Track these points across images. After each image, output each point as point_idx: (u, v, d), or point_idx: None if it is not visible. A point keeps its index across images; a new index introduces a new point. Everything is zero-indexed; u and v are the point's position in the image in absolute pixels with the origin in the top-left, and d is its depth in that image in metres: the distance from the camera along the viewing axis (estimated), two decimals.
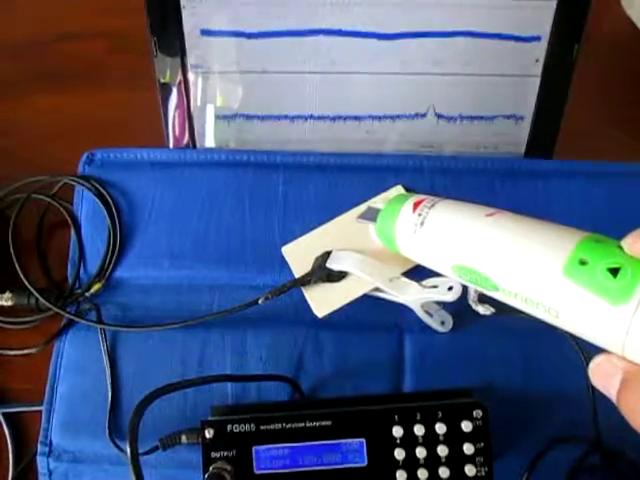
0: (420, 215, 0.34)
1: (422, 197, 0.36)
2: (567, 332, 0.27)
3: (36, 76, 0.53)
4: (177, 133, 0.46)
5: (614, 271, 0.23)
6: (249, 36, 0.42)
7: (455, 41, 0.42)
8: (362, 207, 0.42)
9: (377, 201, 0.42)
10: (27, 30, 0.54)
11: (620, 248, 0.24)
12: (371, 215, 0.39)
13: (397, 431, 0.35)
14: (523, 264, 0.27)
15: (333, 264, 0.40)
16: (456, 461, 0.34)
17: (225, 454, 0.34)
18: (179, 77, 0.44)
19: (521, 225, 0.29)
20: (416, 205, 0.35)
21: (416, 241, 0.35)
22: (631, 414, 0.22)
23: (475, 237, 0.31)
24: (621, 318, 0.23)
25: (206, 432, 0.34)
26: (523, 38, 0.42)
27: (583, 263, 0.24)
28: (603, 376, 0.23)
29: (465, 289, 0.36)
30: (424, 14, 0.41)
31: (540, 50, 0.42)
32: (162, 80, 0.44)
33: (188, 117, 0.46)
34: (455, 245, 0.32)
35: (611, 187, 0.43)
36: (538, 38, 0.42)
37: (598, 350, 0.37)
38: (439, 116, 0.45)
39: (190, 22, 0.42)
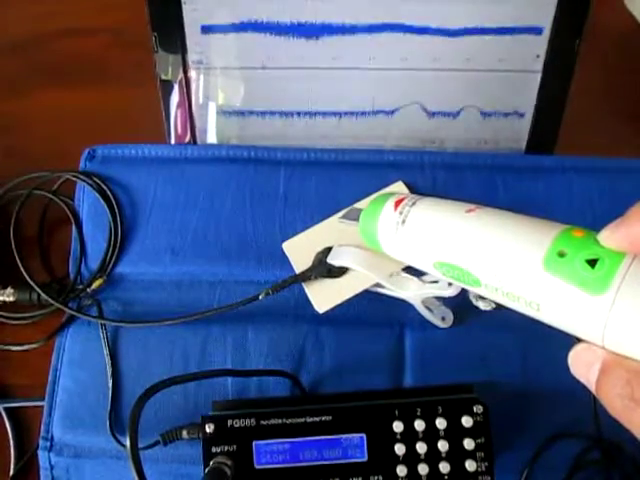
0: (401, 213, 0.34)
1: (403, 195, 0.36)
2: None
3: (38, 72, 0.53)
4: (179, 129, 0.46)
5: (592, 262, 0.23)
6: (250, 32, 0.42)
7: (456, 37, 0.42)
8: (362, 204, 0.42)
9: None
10: (28, 26, 0.54)
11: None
12: (354, 215, 0.39)
13: (397, 426, 0.35)
14: (503, 258, 0.28)
15: (334, 260, 0.40)
16: (457, 456, 0.34)
17: (226, 449, 0.34)
18: (180, 73, 0.44)
19: (501, 220, 0.29)
20: (397, 204, 0.35)
21: (398, 239, 0.35)
22: (609, 402, 0.22)
23: (455, 233, 0.31)
24: (600, 308, 0.23)
25: (207, 427, 0.35)
26: (524, 33, 0.42)
27: (562, 255, 0.25)
28: (582, 365, 0.24)
29: None
30: (424, 9, 0.41)
31: (541, 45, 0.42)
32: (163, 76, 0.44)
33: (189, 113, 0.46)
34: (436, 242, 0.32)
35: (613, 183, 0.43)
36: (539, 33, 0.42)
37: None
38: (440, 112, 0.45)
39: (191, 18, 0.42)
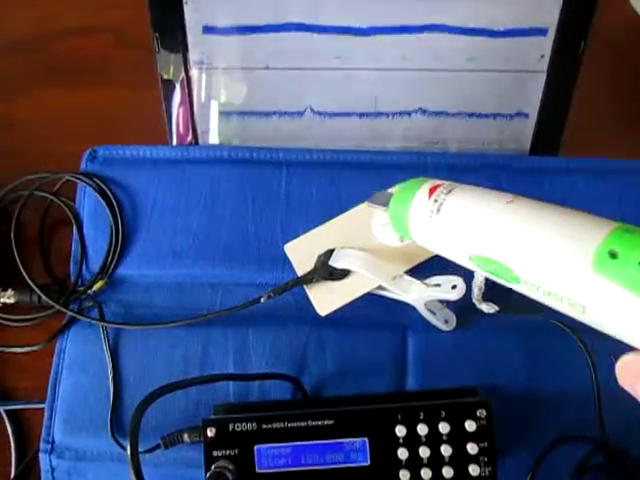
0: (436, 201, 0.32)
1: (438, 182, 0.33)
2: (591, 328, 0.25)
3: (39, 72, 0.52)
4: (180, 129, 0.46)
5: None
6: (252, 32, 0.42)
7: (460, 37, 0.41)
8: (364, 206, 0.42)
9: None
10: (29, 26, 0.54)
11: None
12: (383, 200, 0.37)
13: (400, 430, 0.35)
14: (547, 255, 0.26)
15: (336, 262, 0.40)
16: (460, 461, 0.34)
17: (227, 453, 0.34)
18: (182, 73, 0.44)
19: (545, 213, 0.27)
20: (432, 190, 0.33)
21: (431, 229, 0.32)
22: None
23: (496, 225, 0.29)
24: None
25: (208, 431, 0.34)
26: (528, 33, 0.41)
27: (613, 256, 0.23)
28: (631, 375, 0.23)
29: (469, 287, 0.36)
30: (428, 8, 0.41)
31: (546, 46, 0.42)
32: (165, 76, 0.44)
33: (191, 113, 0.45)
34: (474, 234, 0.30)
35: (617, 184, 0.43)
36: (544, 34, 0.41)
37: (604, 349, 0.37)
38: (443, 112, 0.44)
39: (192, 18, 0.42)
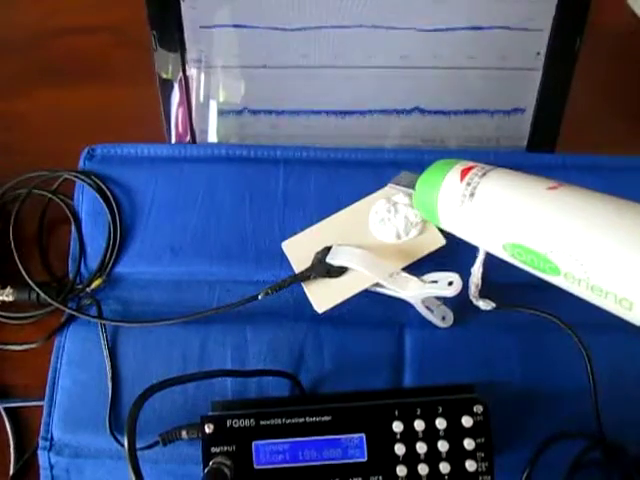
0: (469, 185, 0.30)
1: (470, 164, 0.32)
2: (589, 325, 0.25)
3: (37, 71, 0.53)
4: (179, 129, 0.46)
5: None
6: (249, 30, 0.42)
7: (456, 34, 0.42)
8: (364, 202, 0.42)
9: (379, 195, 0.42)
10: (28, 25, 0.54)
11: None
12: (407, 181, 0.35)
13: (397, 426, 0.35)
14: (593, 247, 0.24)
15: (333, 259, 0.40)
16: (457, 456, 0.34)
17: (225, 449, 0.34)
18: (179, 72, 0.44)
19: (592, 202, 0.26)
20: (464, 173, 0.31)
21: (463, 215, 0.31)
22: None
23: (535, 212, 0.27)
24: None
25: (206, 427, 0.35)
26: (524, 30, 0.41)
27: None
28: None
29: (466, 284, 0.36)
30: (425, 8, 0.41)
31: (541, 43, 0.42)
32: (163, 75, 0.44)
33: (189, 113, 0.45)
34: (511, 221, 0.28)
35: (613, 181, 0.43)
36: (540, 31, 0.41)
37: (601, 346, 0.37)
38: (440, 110, 0.45)
39: (190, 16, 0.42)
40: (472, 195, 0.30)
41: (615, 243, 0.24)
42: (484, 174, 0.31)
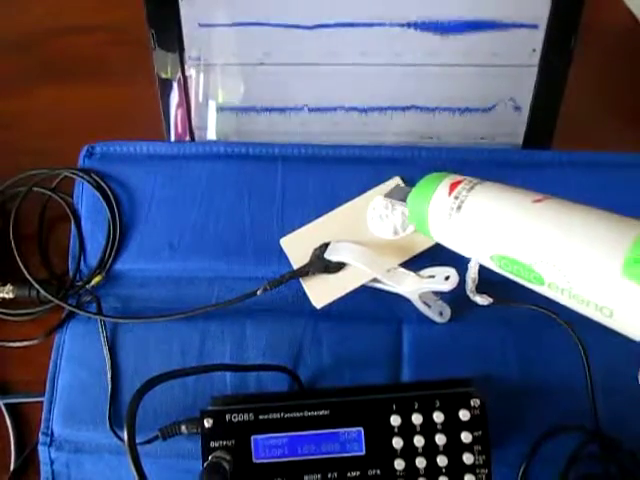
0: (457, 199, 0.32)
1: (459, 178, 0.33)
2: (586, 321, 0.25)
3: (37, 70, 0.53)
4: (178, 127, 0.46)
5: None
6: (248, 28, 0.43)
7: (451, 31, 0.42)
8: (361, 199, 0.42)
9: (377, 192, 0.42)
10: (27, 24, 0.54)
11: None
12: (400, 194, 0.37)
13: (395, 420, 0.35)
14: (575, 258, 0.25)
15: (331, 255, 0.40)
16: (454, 450, 0.35)
17: (224, 443, 0.35)
18: (178, 70, 0.44)
19: (574, 214, 0.27)
20: (453, 187, 0.32)
21: (452, 227, 0.32)
22: None
23: (520, 225, 0.28)
24: None
25: (205, 422, 0.35)
26: (520, 28, 0.42)
27: None
28: None
29: (462, 279, 0.36)
30: (420, 5, 0.41)
31: (537, 40, 0.42)
32: (161, 73, 0.45)
33: (188, 111, 0.46)
34: (497, 233, 0.29)
35: (609, 177, 0.43)
36: (535, 27, 0.42)
37: (597, 341, 0.38)
38: (436, 107, 0.45)
39: (188, 14, 0.42)
40: (459, 208, 0.31)
41: (593, 253, 0.25)
42: (471, 188, 0.32)
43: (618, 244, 0.24)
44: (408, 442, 0.35)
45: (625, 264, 0.23)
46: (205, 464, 0.34)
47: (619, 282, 0.23)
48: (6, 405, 0.42)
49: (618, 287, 0.23)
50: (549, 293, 0.28)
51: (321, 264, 0.40)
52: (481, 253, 0.31)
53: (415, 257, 0.40)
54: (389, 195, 0.39)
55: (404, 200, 0.36)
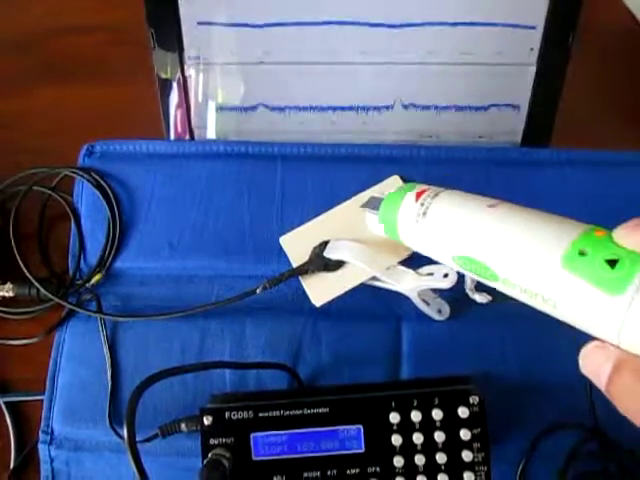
0: (422, 205, 0.34)
1: (425, 187, 0.36)
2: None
3: (37, 69, 0.53)
4: (178, 126, 0.46)
5: (612, 262, 0.23)
6: (247, 27, 0.43)
7: (450, 30, 0.42)
8: (360, 197, 0.42)
9: (375, 190, 0.42)
10: (27, 24, 0.55)
11: None
12: (374, 204, 0.39)
13: (394, 417, 0.35)
14: (523, 255, 0.28)
15: (330, 253, 0.40)
16: (453, 447, 0.35)
17: (224, 441, 0.35)
18: (178, 69, 0.44)
19: (522, 217, 0.29)
20: (419, 195, 0.35)
21: (418, 231, 0.35)
22: (620, 401, 0.23)
23: (476, 228, 0.31)
24: (617, 308, 0.23)
25: (205, 419, 0.35)
26: (518, 26, 0.42)
27: (582, 254, 0.25)
28: (593, 363, 0.24)
29: (462, 277, 0.36)
30: (418, 4, 0.41)
31: (535, 38, 0.42)
32: (161, 72, 0.45)
33: (187, 110, 0.46)
34: (457, 236, 0.32)
35: (607, 176, 0.43)
36: (533, 27, 0.42)
37: (595, 338, 0.38)
38: (435, 106, 0.45)
39: (187, 13, 0.42)
40: (425, 214, 0.34)
41: (538, 250, 0.27)
42: (435, 195, 0.34)
43: (561, 239, 0.26)
44: (407, 439, 0.35)
45: (565, 257, 0.25)
46: (205, 461, 0.34)
47: (560, 274, 0.25)
48: (6, 403, 0.42)
49: (559, 278, 0.25)
50: (505, 289, 0.30)
51: (320, 262, 0.40)
52: (444, 255, 0.33)
53: (414, 255, 0.40)
54: (365, 205, 0.41)
55: (377, 209, 0.38)
